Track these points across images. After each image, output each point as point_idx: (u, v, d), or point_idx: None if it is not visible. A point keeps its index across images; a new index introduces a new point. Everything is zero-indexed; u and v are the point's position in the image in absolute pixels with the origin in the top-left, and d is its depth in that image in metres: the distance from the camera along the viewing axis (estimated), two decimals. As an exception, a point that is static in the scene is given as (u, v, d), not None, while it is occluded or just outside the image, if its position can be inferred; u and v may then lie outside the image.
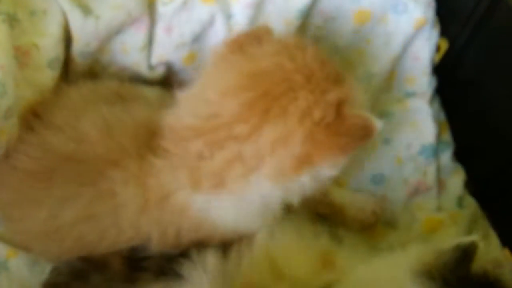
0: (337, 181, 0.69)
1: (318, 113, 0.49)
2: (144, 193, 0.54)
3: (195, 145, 0.51)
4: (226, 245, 0.54)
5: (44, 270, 0.63)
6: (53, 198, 0.56)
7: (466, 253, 0.47)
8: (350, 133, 0.50)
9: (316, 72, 0.50)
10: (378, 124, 0.50)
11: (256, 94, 0.49)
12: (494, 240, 0.67)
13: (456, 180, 0.70)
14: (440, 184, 0.70)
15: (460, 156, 0.72)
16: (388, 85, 0.73)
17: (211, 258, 0.53)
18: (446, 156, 0.71)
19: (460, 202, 0.69)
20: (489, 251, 0.66)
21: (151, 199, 0.54)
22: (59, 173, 0.56)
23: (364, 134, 0.50)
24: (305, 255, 0.53)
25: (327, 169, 0.51)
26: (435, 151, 0.70)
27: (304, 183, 0.51)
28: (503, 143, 0.65)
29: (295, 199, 0.53)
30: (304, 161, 0.49)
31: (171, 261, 0.54)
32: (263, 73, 0.50)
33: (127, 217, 0.54)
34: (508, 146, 0.64)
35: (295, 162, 0.49)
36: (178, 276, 0.52)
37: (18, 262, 0.64)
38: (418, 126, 0.71)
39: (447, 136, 0.73)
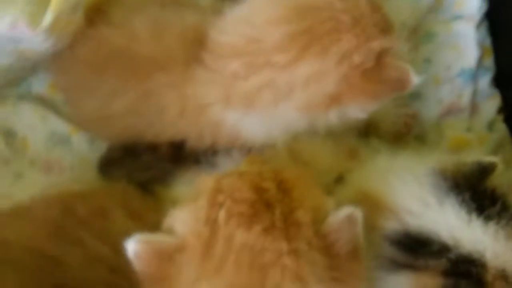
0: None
1: (358, 58, 0.49)
2: (182, 100, 0.57)
3: (233, 64, 0.53)
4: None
5: (101, 148, 0.71)
6: (105, 89, 0.60)
7: (484, 169, 0.49)
8: (385, 83, 0.50)
9: (365, 16, 0.50)
10: (415, 79, 0.51)
11: (301, 28, 0.50)
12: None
13: (490, 104, 0.72)
14: (474, 107, 0.72)
15: (499, 82, 0.74)
16: (437, 6, 0.74)
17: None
18: (485, 81, 0.73)
19: (490, 126, 0.72)
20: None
21: (188, 107, 0.57)
22: (112, 67, 0.60)
23: (399, 86, 0.51)
24: (330, 149, 0.57)
25: (356, 111, 0.53)
26: (474, 75, 0.72)
27: (330, 119, 0.53)
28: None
29: (319, 129, 0.55)
30: (334, 100, 0.51)
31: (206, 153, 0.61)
32: (312, 8, 0.51)
33: (168, 118, 0.58)
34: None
35: (326, 99, 0.51)
36: (212, 164, 0.59)
37: (79, 139, 0.72)
38: (461, 49, 0.72)
39: (489, 61, 0.74)
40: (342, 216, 0.43)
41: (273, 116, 0.54)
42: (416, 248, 0.46)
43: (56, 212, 0.55)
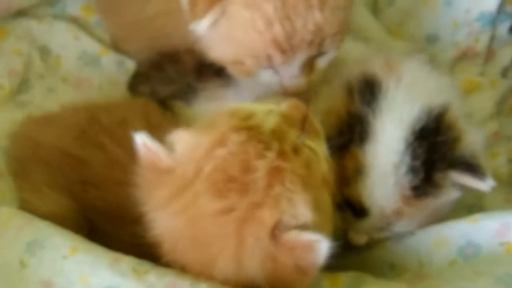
0: (393, 29, 0.74)
1: None
2: None
3: None
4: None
5: (129, 70, 0.76)
6: None
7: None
8: None
9: None
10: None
11: None
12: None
13: (507, 52, 0.73)
14: (490, 52, 0.73)
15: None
16: None
17: None
18: (504, 27, 0.73)
19: (504, 72, 0.72)
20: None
21: None
22: None
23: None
24: None
25: None
26: (493, 20, 0.72)
27: None
28: None
29: None
30: None
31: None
32: None
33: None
34: None
35: None
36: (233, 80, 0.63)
37: (108, 60, 0.77)
38: (482, -8, 0.72)
39: (511, 7, 0.73)
40: (304, 238, 0.40)
41: None
42: None
43: (82, 118, 0.60)
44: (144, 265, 0.45)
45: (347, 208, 0.51)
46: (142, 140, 0.46)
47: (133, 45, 0.74)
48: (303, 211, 0.41)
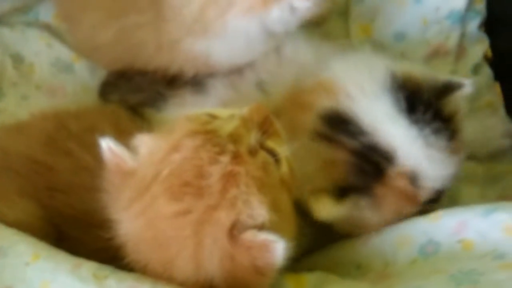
0: (362, 27, 0.74)
1: None
2: (158, 37, 0.62)
3: None
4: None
5: (102, 76, 0.76)
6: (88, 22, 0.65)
7: (447, 86, 0.52)
8: None
9: None
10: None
11: None
12: (501, 111, 0.71)
13: (478, 48, 0.73)
14: (461, 50, 0.73)
15: (488, 27, 0.74)
16: None
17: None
18: (474, 25, 0.73)
19: (476, 70, 0.73)
20: (494, 122, 0.70)
21: (163, 43, 0.62)
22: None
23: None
24: None
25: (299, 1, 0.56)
26: (463, 17, 0.72)
27: (279, 16, 0.57)
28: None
29: (278, 31, 0.59)
30: None
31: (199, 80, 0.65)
32: None
33: (148, 53, 0.63)
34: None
35: None
36: (203, 87, 0.63)
37: (81, 66, 0.77)
38: (451, -11, 0.72)
39: (481, 6, 0.74)
40: (260, 238, 0.40)
41: (228, 34, 0.58)
42: (337, 124, 0.51)
43: (51, 125, 0.61)
44: (104, 270, 0.45)
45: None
46: (107, 144, 0.47)
47: (98, 64, 0.74)
48: (260, 211, 0.41)
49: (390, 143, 0.49)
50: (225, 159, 0.42)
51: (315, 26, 0.74)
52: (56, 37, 0.78)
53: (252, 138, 0.45)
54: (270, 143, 0.46)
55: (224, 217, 0.41)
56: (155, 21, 0.61)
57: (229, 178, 0.41)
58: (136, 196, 0.45)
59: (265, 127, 0.47)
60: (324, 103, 0.52)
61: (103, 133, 0.58)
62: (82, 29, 0.67)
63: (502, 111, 0.72)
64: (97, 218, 0.51)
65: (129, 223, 0.45)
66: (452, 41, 0.72)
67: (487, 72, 0.73)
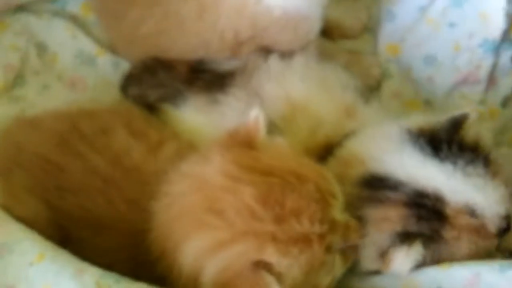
0: (390, 46, 0.73)
1: None
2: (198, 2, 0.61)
3: None
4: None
5: (124, 71, 0.75)
6: (133, 15, 0.66)
7: (455, 121, 0.52)
8: None
9: None
10: None
11: None
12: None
13: (509, 81, 0.70)
14: (491, 80, 0.70)
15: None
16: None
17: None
18: (507, 56, 0.71)
19: (505, 102, 0.70)
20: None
21: (206, 6, 0.61)
22: None
23: None
24: (329, 103, 0.60)
25: None
26: (497, 47, 0.70)
27: None
28: None
29: None
30: None
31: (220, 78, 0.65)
32: None
33: (189, 27, 0.63)
34: None
35: None
36: (222, 91, 0.63)
37: (104, 60, 0.76)
38: (488, 18, 0.69)
39: (516, 36, 0.71)
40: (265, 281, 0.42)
41: None
42: (377, 182, 0.51)
43: (63, 126, 0.61)
44: (108, 279, 0.45)
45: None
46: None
47: (128, 54, 0.73)
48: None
49: (432, 185, 0.49)
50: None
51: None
52: (82, 29, 0.77)
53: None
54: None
55: (270, 250, 0.42)
56: None
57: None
58: None
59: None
60: (353, 172, 0.52)
61: (115, 135, 0.60)
62: (127, 23, 0.67)
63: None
64: (107, 220, 0.52)
65: None
66: (483, 71, 0.70)
67: (516, 106, 0.71)
